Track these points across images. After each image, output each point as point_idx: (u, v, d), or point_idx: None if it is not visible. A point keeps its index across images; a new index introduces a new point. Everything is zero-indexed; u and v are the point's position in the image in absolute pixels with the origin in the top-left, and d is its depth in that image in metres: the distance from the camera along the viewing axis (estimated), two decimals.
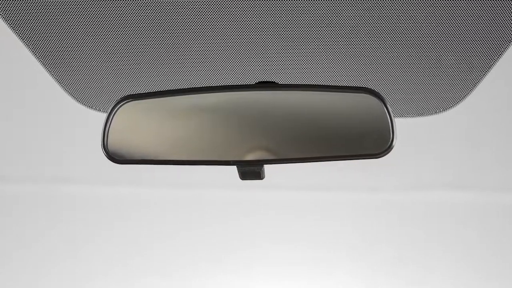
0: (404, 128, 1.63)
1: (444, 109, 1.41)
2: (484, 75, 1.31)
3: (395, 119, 0.87)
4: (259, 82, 0.89)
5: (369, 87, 0.87)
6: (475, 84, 1.32)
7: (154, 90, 0.91)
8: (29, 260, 2.09)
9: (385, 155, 0.87)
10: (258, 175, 0.91)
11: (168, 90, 0.88)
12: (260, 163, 0.89)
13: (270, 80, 0.90)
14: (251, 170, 0.91)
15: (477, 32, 1.20)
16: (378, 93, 0.86)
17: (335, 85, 0.89)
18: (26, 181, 1.98)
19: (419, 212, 2.07)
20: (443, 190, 2.02)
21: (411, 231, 2.09)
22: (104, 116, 0.88)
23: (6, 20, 1.15)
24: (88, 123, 1.53)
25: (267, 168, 0.92)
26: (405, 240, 2.09)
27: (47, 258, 2.08)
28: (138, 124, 0.90)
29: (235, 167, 0.90)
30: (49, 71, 1.28)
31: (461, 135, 1.77)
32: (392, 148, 0.87)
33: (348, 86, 0.88)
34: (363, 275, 2.10)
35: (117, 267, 2.10)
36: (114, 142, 0.87)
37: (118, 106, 0.87)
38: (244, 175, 0.91)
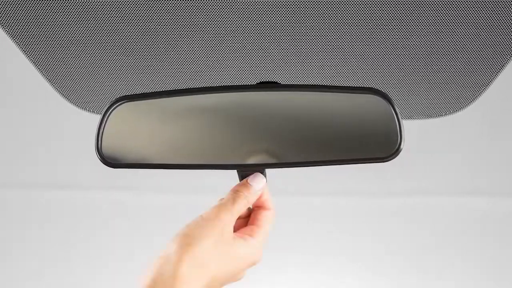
0: (412, 130, 1.62)
1: (454, 111, 1.41)
2: (496, 75, 1.30)
3: (403, 121, 0.87)
4: (260, 82, 0.88)
5: (375, 87, 0.87)
6: (486, 84, 1.32)
7: (151, 91, 0.91)
8: (21, 264, 2.09)
9: (392, 158, 0.87)
10: None
11: (165, 91, 0.88)
12: (262, 167, 0.89)
13: (272, 80, 0.90)
14: None
15: (488, 33, 1.20)
16: (385, 93, 0.85)
17: (339, 86, 0.88)
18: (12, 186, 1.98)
19: (428, 218, 2.07)
20: (452, 195, 2.02)
21: (422, 236, 2.09)
22: (98, 117, 0.88)
23: None
24: (82, 125, 1.53)
25: (269, 172, 0.91)
26: (416, 245, 2.09)
27: (39, 262, 2.08)
28: (134, 126, 0.89)
29: (235, 171, 0.90)
30: (41, 71, 1.28)
31: (470, 138, 1.76)
32: (400, 151, 0.86)
33: (354, 87, 0.87)
34: (372, 279, 2.11)
35: (113, 274, 2.10)
36: (109, 145, 0.87)
37: (113, 107, 0.87)
38: None
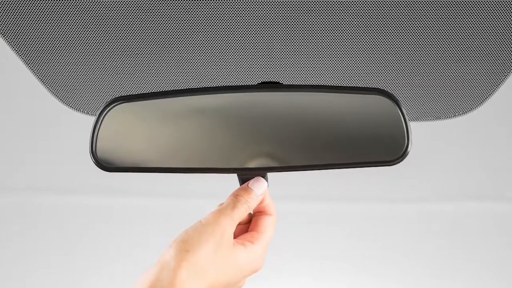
0: (420, 132, 1.62)
1: (464, 112, 1.40)
2: (508, 74, 1.30)
3: (411, 123, 0.87)
4: (262, 83, 0.88)
5: (381, 87, 0.87)
6: (498, 84, 1.31)
7: (149, 91, 0.91)
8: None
9: (399, 162, 0.86)
10: None
11: (163, 91, 0.88)
12: (263, 171, 0.88)
13: (274, 81, 0.89)
14: None
15: (498, 33, 1.19)
16: (391, 94, 0.85)
17: (344, 86, 0.88)
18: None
19: (435, 224, 2.07)
20: (461, 201, 2.01)
21: (433, 242, 2.08)
22: (93, 119, 0.87)
23: None
24: (76, 127, 1.53)
25: (271, 176, 0.91)
26: (428, 252, 2.09)
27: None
28: (131, 128, 0.89)
29: (235, 175, 0.89)
30: (33, 71, 1.27)
31: (479, 140, 1.76)
32: (406, 155, 0.86)
33: (359, 87, 0.87)
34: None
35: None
36: (104, 147, 0.87)
37: (108, 108, 0.86)
38: None
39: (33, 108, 1.62)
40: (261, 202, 0.88)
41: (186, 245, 0.79)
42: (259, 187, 0.87)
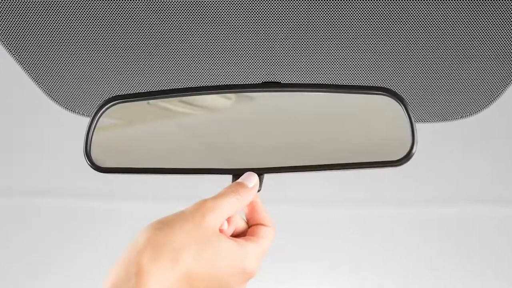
0: (426, 134, 1.60)
1: (470, 114, 1.39)
2: None
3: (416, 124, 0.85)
4: (265, 82, 0.86)
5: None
6: (504, 86, 1.30)
7: (146, 90, 0.89)
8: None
9: (404, 163, 0.84)
10: None
11: (160, 90, 0.86)
12: (260, 172, 0.85)
13: (276, 81, 0.88)
14: None
15: (507, 34, 1.19)
16: (397, 93, 0.83)
17: (349, 85, 0.86)
18: None
19: (439, 228, 2.06)
20: (466, 204, 2.01)
21: (431, 245, 2.08)
22: (88, 120, 0.86)
23: None
24: (77, 128, 1.52)
25: (273, 180, 0.89)
26: (426, 254, 2.09)
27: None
28: (127, 128, 0.88)
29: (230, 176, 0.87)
30: (27, 70, 1.26)
31: (486, 142, 1.75)
32: (412, 156, 0.84)
33: (364, 86, 0.85)
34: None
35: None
36: (99, 148, 0.85)
37: (104, 108, 0.85)
38: None
39: (34, 110, 1.62)
40: (257, 213, 0.83)
41: (159, 224, 0.73)
42: (250, 179, 0.83)
